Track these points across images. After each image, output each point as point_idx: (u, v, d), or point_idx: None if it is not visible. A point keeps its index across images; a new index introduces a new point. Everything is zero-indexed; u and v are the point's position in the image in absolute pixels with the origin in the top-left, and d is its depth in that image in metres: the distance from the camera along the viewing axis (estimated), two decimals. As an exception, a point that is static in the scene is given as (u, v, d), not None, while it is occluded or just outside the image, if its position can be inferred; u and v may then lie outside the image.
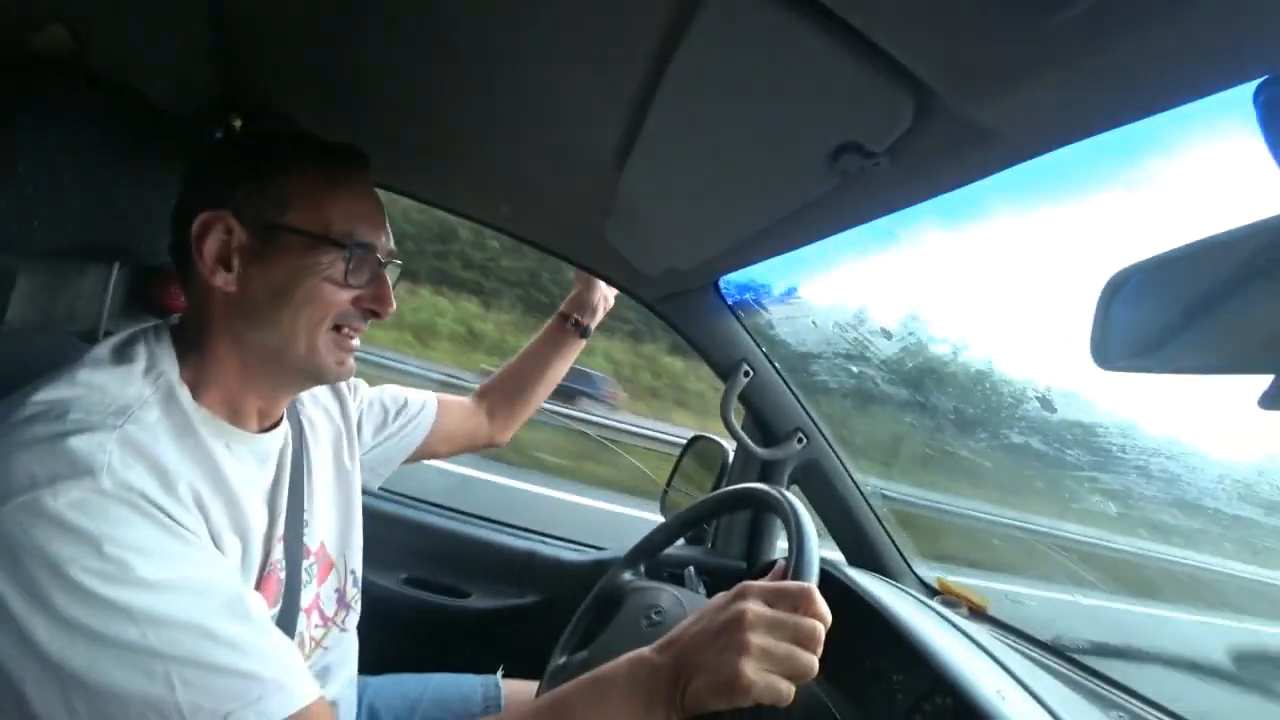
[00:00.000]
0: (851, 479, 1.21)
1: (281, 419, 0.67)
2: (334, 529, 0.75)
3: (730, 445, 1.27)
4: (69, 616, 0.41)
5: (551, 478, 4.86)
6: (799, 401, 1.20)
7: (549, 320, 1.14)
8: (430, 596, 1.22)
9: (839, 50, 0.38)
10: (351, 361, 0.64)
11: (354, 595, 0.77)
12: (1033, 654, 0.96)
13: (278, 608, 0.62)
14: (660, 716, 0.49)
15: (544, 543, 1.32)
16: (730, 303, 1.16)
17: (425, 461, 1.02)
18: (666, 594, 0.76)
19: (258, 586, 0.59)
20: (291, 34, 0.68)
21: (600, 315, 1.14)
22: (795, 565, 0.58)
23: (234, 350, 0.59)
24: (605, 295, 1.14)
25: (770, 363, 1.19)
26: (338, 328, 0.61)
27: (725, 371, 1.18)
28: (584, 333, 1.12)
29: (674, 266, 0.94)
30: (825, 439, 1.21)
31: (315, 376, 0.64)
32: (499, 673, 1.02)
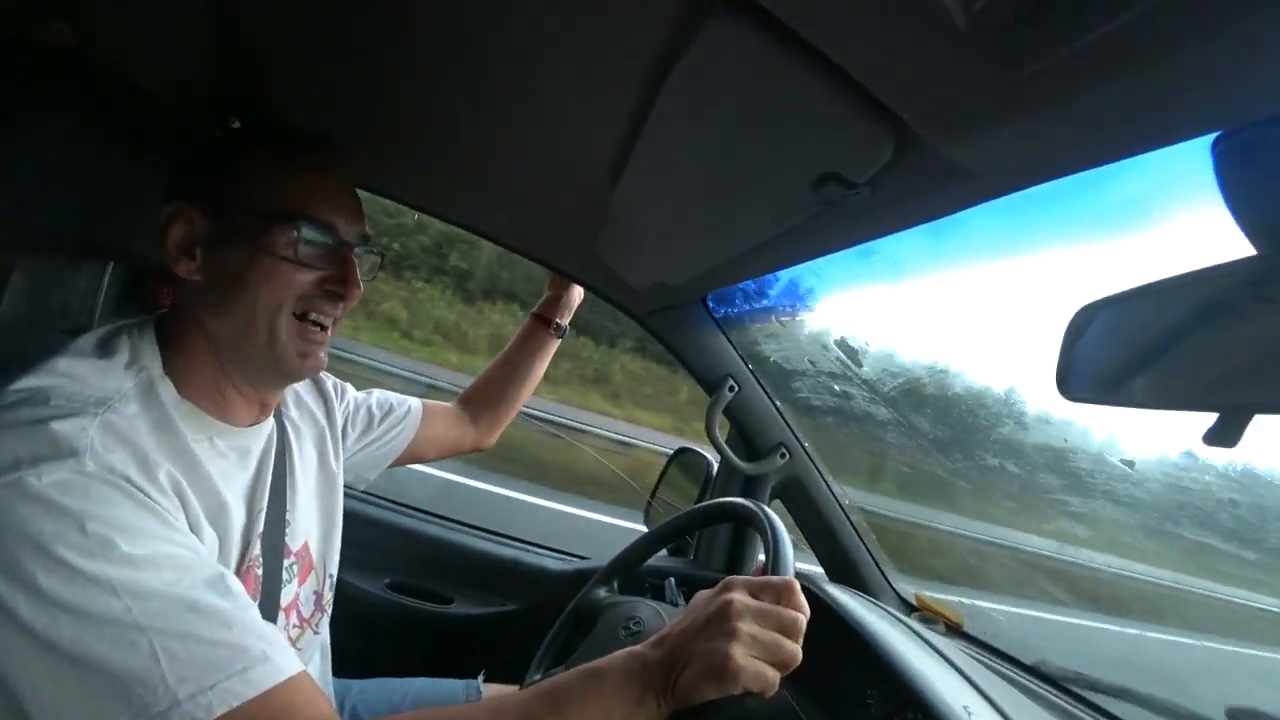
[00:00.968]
0: (833, 495, 1.22)
1: (270, 414, 0.66)
2: (316, 531, 0.75)
3: (715, 458, 1.28)
4: (52, 593, 0.41)
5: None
6: (782, 417, 1.22)
7: (523, 323, 1.15)
8: (413, 602, 1.22)
9: (824, 86, 0.40)
10: (321, 355, 0.63)
11: (329, 599, 0.77)
12: (1004, 670, 0.97)
13: (255, 605, 0.62)
14: (652, 707, 0.49)
15: (527, 550, 1.32)
16: (717, 318, 1.18)
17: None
18: (645, 606, 0.77)
19: None
20: (293, 39, 0.69)
21: (571, 313, 1.17)
22: (773, 564, 0.61)
23: (206, 342, 0.59)
24: (579, 292, 1.16)
25: (755, 378, 1.21)
26: (302, 316, 0.60)
27: (711, 386, 1.19)
28: (560, 333, 1.14)
29: (663, 281, 0.96)
30: (808, 455, 1.22)
31: (279, 369, 0.62)
32: (480, 677, 1.02)
